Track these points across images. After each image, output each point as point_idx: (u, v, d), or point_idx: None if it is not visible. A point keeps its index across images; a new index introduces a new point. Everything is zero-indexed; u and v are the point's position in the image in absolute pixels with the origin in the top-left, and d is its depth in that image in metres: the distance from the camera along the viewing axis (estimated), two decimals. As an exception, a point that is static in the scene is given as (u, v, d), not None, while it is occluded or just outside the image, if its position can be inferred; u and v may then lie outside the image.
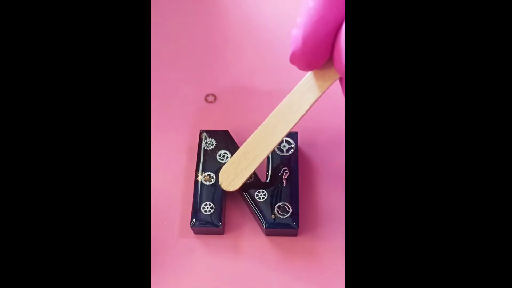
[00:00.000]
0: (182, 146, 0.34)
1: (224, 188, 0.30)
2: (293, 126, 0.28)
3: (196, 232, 0.30)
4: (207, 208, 0.29)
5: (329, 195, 0.31)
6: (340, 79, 0.26)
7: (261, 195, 0.30)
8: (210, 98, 0.35)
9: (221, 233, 0.30)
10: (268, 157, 0.31)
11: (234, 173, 0.29)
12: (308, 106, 0.28)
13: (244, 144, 0.29)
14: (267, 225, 0.29)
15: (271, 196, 0.29)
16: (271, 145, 0.28)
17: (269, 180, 0.30)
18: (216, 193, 0.30)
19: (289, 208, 0.29)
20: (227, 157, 0.31)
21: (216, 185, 0.30)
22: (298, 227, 0.29)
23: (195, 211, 0.29)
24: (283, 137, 0.28)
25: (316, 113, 0.34)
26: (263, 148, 0.29)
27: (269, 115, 0.29)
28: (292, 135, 0.32)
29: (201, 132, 0.32)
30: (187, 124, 0.34)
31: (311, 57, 0.25)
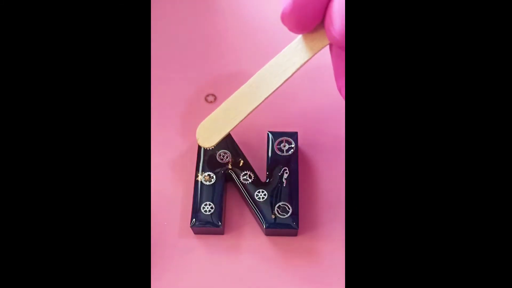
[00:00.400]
0: (182, 146, 0.34)
1: (199, 144, 0.29)
2: (277, 88, 0.28)
3: (196, 232, 0.30)
4: (207, 208, 0.29)
5: (329, 195, 0.31)
6: (330, 45, 0.26)
7: (261, 195, 0.30)
8: (210, 98, 0.35)
9: (221, 233, 0.30)
10: (268, 157, 0.31)
11: (212, 129, 0.29)
12: (294, 69, 0.27)
13: (226, 101, 0.28)
14: (267, 225, 0.29)
15: (271, 196, 0.29)
16: (253, 105, 0.28)
17: (269, 180, 0.30)
18: (216, 193, 0.30)
19: (289, 208, 0.29)
20: (227, 157, 0.31)
21: (216, 185, 0.30)
22: (298, 227, 0.29)
23: (195, 211, 0.29)
24: (265, 99, 0.28)
25: (316, 113, 0.34)
26: (244, 107, 0.28)
27: (254, 75, 0.28)
28: (292, 135, 0.32)
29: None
30: (187, 124, 0.34)
31: (300, 16, 0.24)
